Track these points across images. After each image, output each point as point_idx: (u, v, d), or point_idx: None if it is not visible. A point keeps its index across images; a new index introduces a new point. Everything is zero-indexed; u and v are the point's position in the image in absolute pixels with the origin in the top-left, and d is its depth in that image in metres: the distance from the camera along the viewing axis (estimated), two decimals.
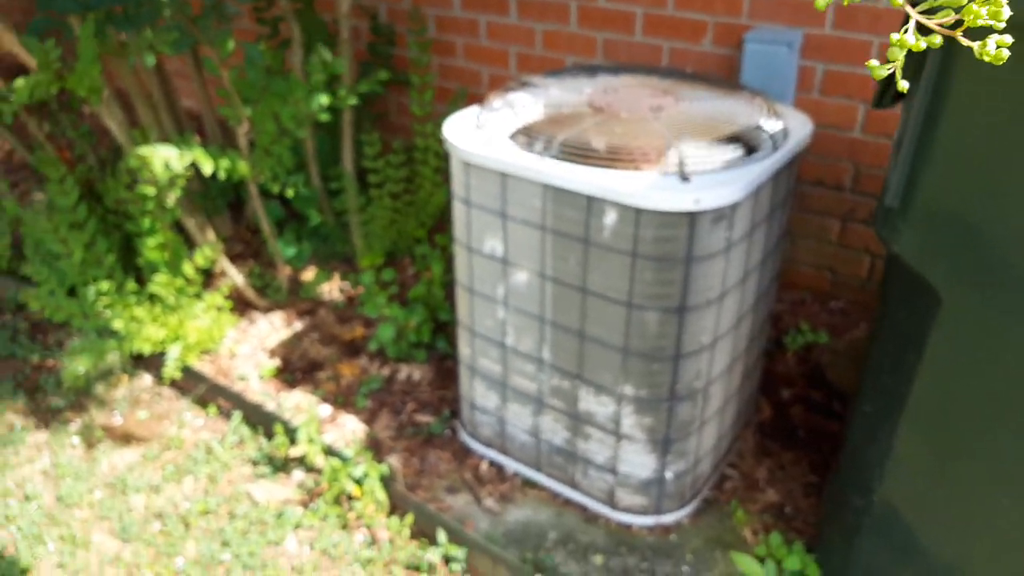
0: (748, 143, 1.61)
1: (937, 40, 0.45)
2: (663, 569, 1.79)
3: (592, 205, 1.55)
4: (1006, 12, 0.43)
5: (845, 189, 2.43)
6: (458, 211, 1.80)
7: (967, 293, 1.21)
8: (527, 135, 1.66)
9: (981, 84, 1.08)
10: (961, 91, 1.10)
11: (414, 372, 2.41)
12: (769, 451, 2.12)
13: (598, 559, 1.81)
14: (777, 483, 2.02)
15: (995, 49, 0.44)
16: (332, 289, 2.79)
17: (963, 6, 0.43)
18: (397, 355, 2.43)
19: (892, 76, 1.31)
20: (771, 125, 1.67)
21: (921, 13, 0.44)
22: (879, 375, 1.42)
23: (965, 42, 0.44)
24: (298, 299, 2.76)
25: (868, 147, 2.33)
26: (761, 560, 1.76)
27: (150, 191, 2.25)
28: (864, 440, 1.49)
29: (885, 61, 0.47)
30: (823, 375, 2.33)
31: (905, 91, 0.44)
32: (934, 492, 1.39)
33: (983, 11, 0.42)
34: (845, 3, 0.46)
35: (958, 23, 0.44)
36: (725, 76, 2.45)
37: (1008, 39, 0.44)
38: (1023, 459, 1.25)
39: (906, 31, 0.44)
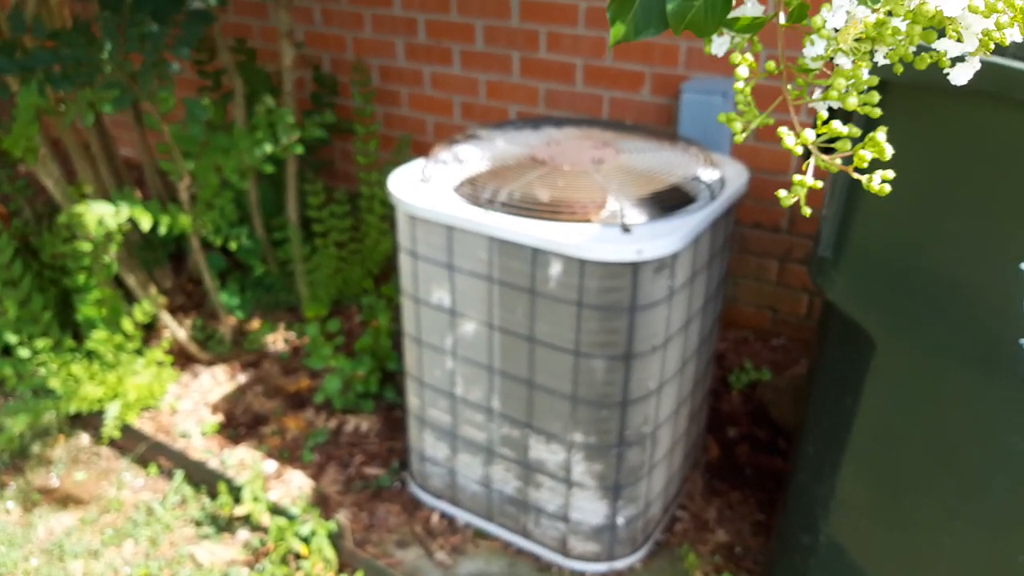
0: (686, 194, 1.65)
1: (837, 163, 0.49)
2: None
3: (537, 257, 1.57)
4: (889, 151, 0.49)
5: (782, 231, 2.51)
6: (404, 263, 1.80)
7: (901, 338, 1.25)
8: (472, 188, 1.68)
9: (907, 139, 1.13)
10: (890, 141, 1.15)
11: (362, 423, 2.38)
12: (718, 491, 2.14)
13: None
14: (726, 523, 2.04)
15: (879, 183, 0.50)
16: (277, 340, 2.75)
17: (853, 151, 0.48)
18: (344, 406, 2.40)
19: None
20: (708, 175, 1.72)
21: (820, 149, 0.49)
22: (819, 417, 1.46)
23: (856, 176, 0.49)
24: (242, 351, 2.71)
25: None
26: None
27: (86, 247, 2.21)
28: (809, 480, 1.52)
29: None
30: (766, 413, 2.37)
31: (808, 214, 0.49)
32: (879, 531, 1.42)
33: (867, 155, 0.47)
34: (747, 131, 0.51)
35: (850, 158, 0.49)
36: (664, 125, 2.52)
37: (891, 173, 0.50)
38: (962, 499, 1.29)
39: (806, 172, 0.49)
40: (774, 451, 2.25)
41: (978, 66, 0.47)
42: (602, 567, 1.89)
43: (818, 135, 0.49)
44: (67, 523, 2.13)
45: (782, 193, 0.50)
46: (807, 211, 0.51)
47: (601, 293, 1.54)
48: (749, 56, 0.49)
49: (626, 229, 1.52)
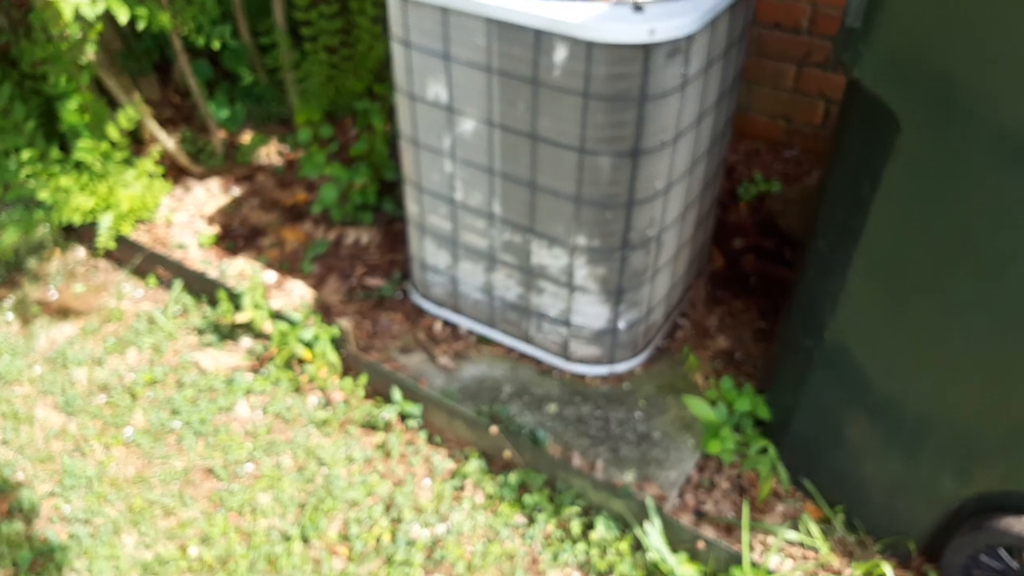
0: None
1: None
2: (616, 416, 1.81)
3: (540, 41, 1.45)
4: None
5: (802, 31, 2.35)
6: (397, 55, 1.68)
7: (927, 120, 1.16)
8: None
9: None
10: None
11: (361, 235, 2.33)
12: (720, 300, 2.12)
13: (552, 408, 1.82)
14: (728, 330, 2.04)
15: None
16: (270, 153, 2.66)
17: None
18: (342, 218, 2.35)
19: None
20: None
21: None
22: (833, 209, 1.39)
23: None
24: (235, 164, 2.62)
25: None
26: (712, 403, 1.78)
27: (62, 48, 2.07)
28: (816, 277, 1.48)
29: None
30: (774, 223, 2.32)
31: None
32: (885, 329, 1.39)
33: None
34: None
35: None
36: None
37: None
38: (975, 293, 1.25)
39: None
40: (780, 261, 2.21)
41: None
42: (602, 370, 1.90)
43: None
44: (68, 333, 2.13)
45: None
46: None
47: (609, 80, 1.43)
48: None
49: (638, 7, 1.39)
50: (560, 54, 1.44)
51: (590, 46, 1.40)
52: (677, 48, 1.42)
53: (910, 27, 1.12)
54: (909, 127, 1.19)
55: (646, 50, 1.39)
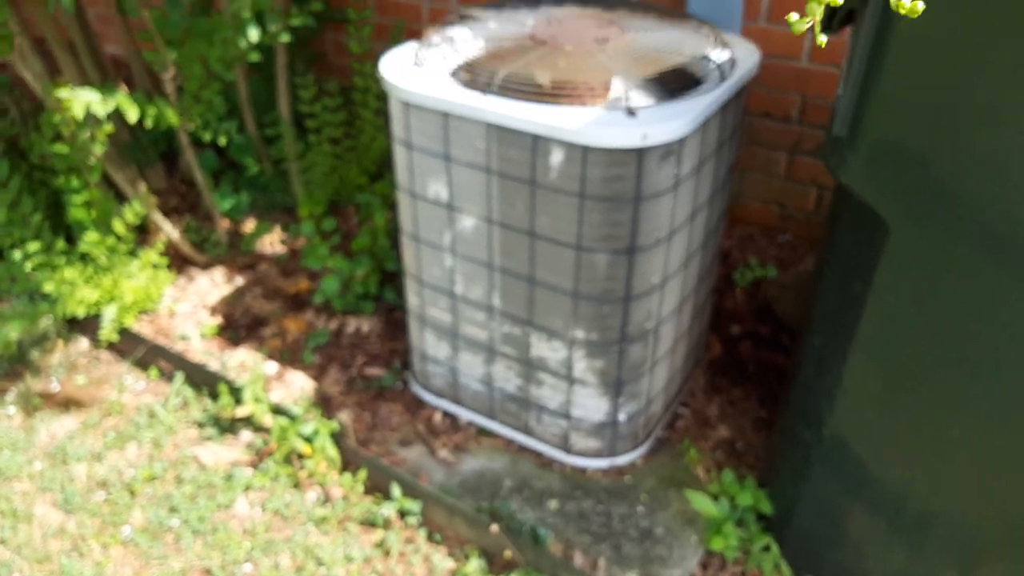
0: (695, 75, 1.56)
1: None
2: (618, 511, 1.79)
3: (537, 144, 1.49)
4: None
5: (792, 120, 2.41)
6: (399, 155, 1.73)
7: (915, 223, 1.19)
8: (468, 71, 1.58)
9: (930, 9, 1.04)
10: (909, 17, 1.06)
11: (362, 324, 2.35)
12: (719, 388, 2.12)
13: (553, 504, 1.81)
14: (728, 419, 2.03)
15: (911, 2, 0.42)
16: (274, 241, 2.70)
17: None
18: (344, 308, 2.37)
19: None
20: (718, 55, 1.62)
21: None
22: (827, 306, 1.41)
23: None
24: (238, 253, 2.66)
25: (815, 76, 2.29)
26: (715, 497, 1.77)
27: (71, 146, 2.12)
28: (813, 372, 1.49)
29: (804, 15, 0.45)
30: (771, 309, 2.33)
31: (822, 44, 0.41)
32: (883, 422, 1.40)
33: None
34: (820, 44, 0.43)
35: None
36: (671, 5, 2.38)
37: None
38: (971, 387, 1.26)
39: None
40: (777, 347, 2.22)
41: None
42: (603, 463, 1.89)
43: None
44: (69, 427, 2.13)
45: (793, 16, 0.43)
46: (822, 40, 0.44)
47: (604, 182, 1.47)
48: None
49: (631, 112, 1.43)
50: (557, 157, 1.48)
51: (585, 150, 1.44)
52: (670, 151, 1.46)
53: (894, 134, 1.16)
54: (897, 229, 1.21)
55: (640, 153, 1.43)
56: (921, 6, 0.41)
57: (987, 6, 1.00)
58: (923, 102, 1.11)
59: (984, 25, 1.02)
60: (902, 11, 0.41)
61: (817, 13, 0.43)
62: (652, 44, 1.65)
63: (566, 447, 1.89)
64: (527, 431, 1.94)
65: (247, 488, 1.91)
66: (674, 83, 1.52)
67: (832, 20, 1.24)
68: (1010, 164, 1.06)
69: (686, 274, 1.76)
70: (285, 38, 2.17)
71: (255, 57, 2.13)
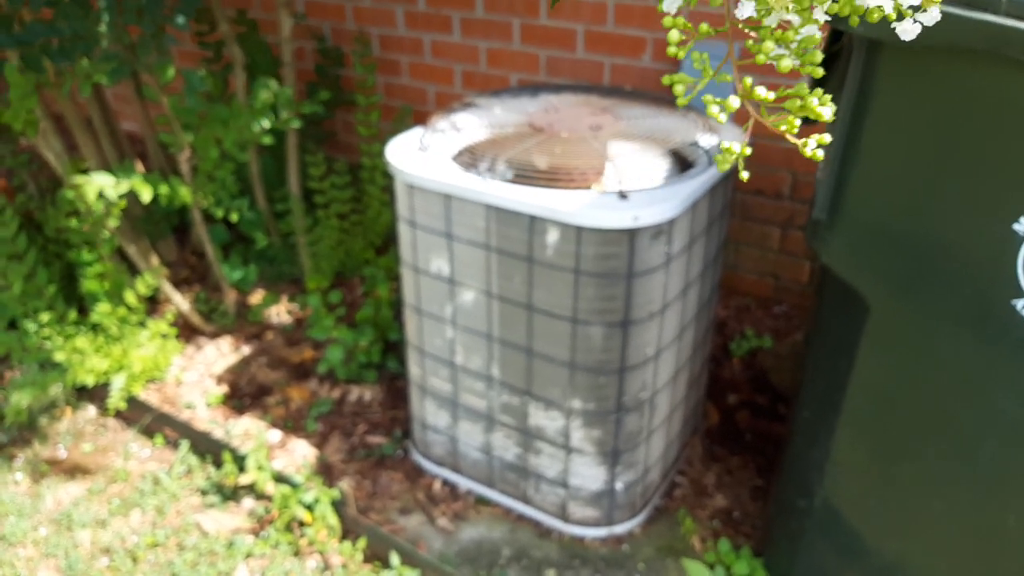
0: (685, 159, 1.65)
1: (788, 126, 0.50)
2: None
3: (535, 224, 1.57)
4: (827, 113, 0.49)
5: (784, 197, 2.50)
6: (403, 232, 1.81)
7: (895, 301, 1.25)
8: (470, 156, 1.67)
9: (901, 99, 1.13)
10: (882, 105, 1.15)
11: (365, 393, 2.40)
12: (717, 456, 2.16)
13: (551, 574, 1.83)
14: (725, 488, 2.06)
15: (813, 150, 0.50)
16: (280, 312, 2.77)
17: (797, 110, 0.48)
18: (347, 377, 2.42)
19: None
20: (707, 140, 1.71)
21: (771, 110, 0.50)
22: (814, 381, 1.46)
23: (792, 140, 0.49)
24: (246, 323, 2.73)
25: (805, 156, 2.39)
26: (711, 566, 1.79)
27: (85, 223, 2.21)
28: (804, 444, 1.53)
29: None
30: (767, 379, 2.38)
31: (745, 179, 0.49)
32: (872, 494, 1.44)
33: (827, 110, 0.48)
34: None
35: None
36: (664, 92, 2.50)
37: (827, 137, 0.51)
38: (953, 462, 1.30)
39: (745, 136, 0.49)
40: (774, 417, 2.26)
41: (936, 18, 0.46)
42: (601, 532, 1.91)
43: (761, 99, 0.49)
44: (75, 493, 2.16)
45: (732, 149, 0.50)
46: (744, 175, 0.52)
47: (598, 260, 1.54)
48: (681, 18, 0.49)
49: (623, 196, 1.52)
50: (552, 236, 1.56)
51: (580, 230, 1.52)
52: (660, 231, 1.53)
53: (871, 217, 1.23)
54: (877, 308, 1.28)
55: (631, 233, 1.51)
56: (821, 154, 0.49)
57: (952, 99, 1.09)
58: (896, 187, 1.18)
59: (953, 115, 1.10)
60: (806, 155, 0.48)
61: (730, 160, 0.50)
62: (644, 130, 1.75)
63: (564, 516, 1.92)
64: (526, 500, 1.97)
65: (248, 555, 1.94)
66: (664, 168, 1.60)
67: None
68: (978, 245, 1.13)
69: (680, 345, 1.82)
70: (296, 124, 2.28)
71: (268, 140, 2.24)
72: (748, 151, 0.50)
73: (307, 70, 3.09)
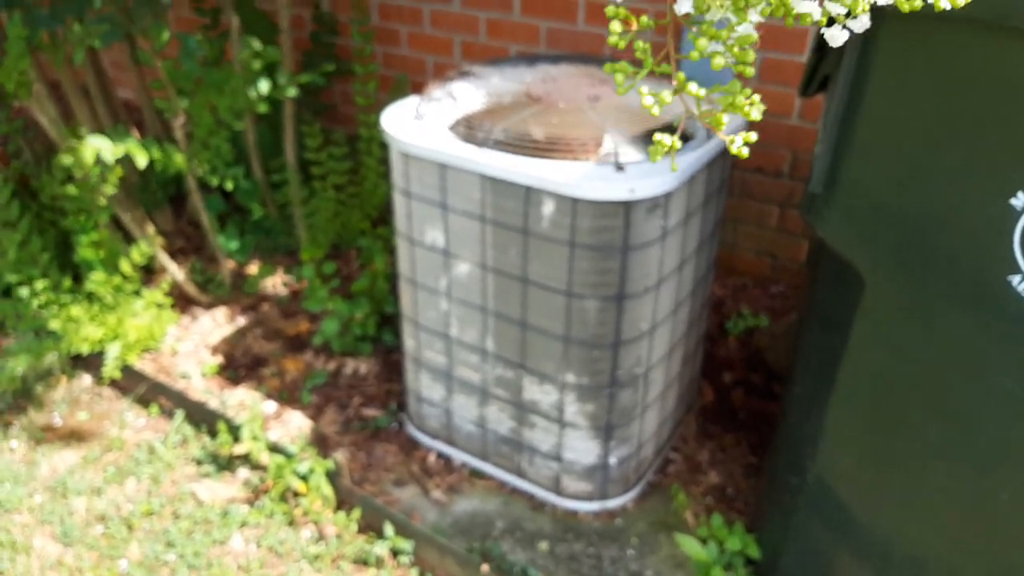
0: (683, 133, 1.63)
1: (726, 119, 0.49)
2: (609, 553, 1.82)
3: (530, 195, 1.55)
4: (755, 114, 0.50)
5: (783, 175, 2.48)
6: (399, 203, 1.79)
7: (890, 277, 1.24)
8: (466, 126, 1.66)
9: (900, 71, 1.11)
10: (881, 77, 1.13)
11: (360, 366, 2.40)
12: (711, 434, 2.16)
13: (544, 546, 1.83)
14: (719, 465, 2.06)
15: (739, 147, 0.51)
16: (276, 283, 2.76)
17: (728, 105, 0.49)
18: (342, 349, 2.42)
19: (817, 63, 1.34)
20: None
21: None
22: (808, 357, 1.46)
23: (722, 136, 0.50)
24: (241, 294, 2.72)
25: (805, 133, 2.37)
26: (704, 541, 1.79)
27: (81, 188, 2.20)
28: (797, 420, 1.53)
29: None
30: (762, 358, 2.38)
31: (675, 169, 0.48)
32: (865, 469, 1.43)
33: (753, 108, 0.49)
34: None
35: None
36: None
37: (753, 136, 0.51)
38: (947, 436, 1.30)
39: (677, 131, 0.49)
40: (768, 396, 2.26)
41: (866, 25, 0.45)
42: (594, 506, 1.92)
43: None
44: (70, 461, 2.16)
45: (666, 141, 0.50)
46: (676, 167, 0.51)
47: (593, 233, 1.53)
48: (623, 9, 0.48)
49: (619, 167, 1.50)
50: (548, 208, 1.54)
51: (575, 202, 1.50)
52: (656, 204, 1.52)
53: (867, 191, 1.22)
54: (872, 283, 1.27)
55: (627, 206, 1.49)
56: (746, 152, 0.48)
57: (952, 71, 1.07)
58: (893, 160, 1.17)
59: (954, 87, 1.08)
60: (732, 152, 0.48)
61: (661, 152, 0.49)
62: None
63: (558, 490, 1.92)
64: (520, 473, 1.97)
65: (243, 525, 1.94)
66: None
67: (809, 86, 1.31)
68: (975, 220, 1.12)
69: (675, 321, 1.82)
70: (293, 92, 2.26)
71: (264, 108, 2.22)
72: (676, 145, 0.50)
73: (303, 39, 3.06)
